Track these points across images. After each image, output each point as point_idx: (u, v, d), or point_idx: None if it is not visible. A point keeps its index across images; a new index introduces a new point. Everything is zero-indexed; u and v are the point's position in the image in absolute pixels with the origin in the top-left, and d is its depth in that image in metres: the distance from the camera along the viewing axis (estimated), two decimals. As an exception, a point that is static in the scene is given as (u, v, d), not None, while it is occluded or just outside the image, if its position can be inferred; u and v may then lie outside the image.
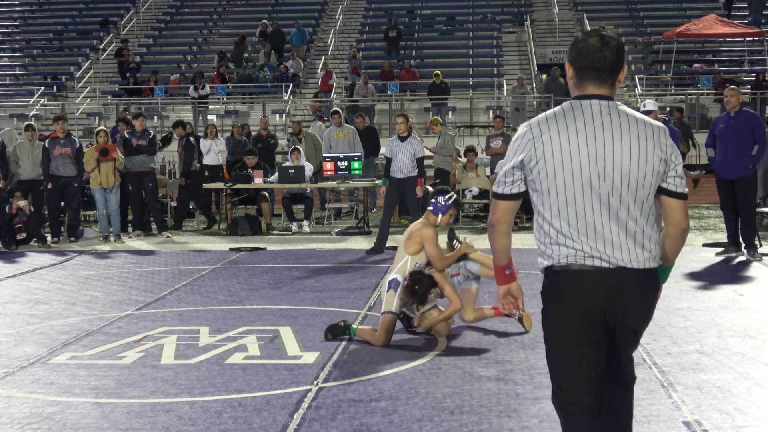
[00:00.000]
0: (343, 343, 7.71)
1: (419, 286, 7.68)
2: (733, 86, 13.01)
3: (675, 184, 3.86)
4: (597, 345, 3.85)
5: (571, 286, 3.80)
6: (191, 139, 16.93)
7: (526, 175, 3.88)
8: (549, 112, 3.88)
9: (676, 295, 9.49)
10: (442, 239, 8.19)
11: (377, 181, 15.73)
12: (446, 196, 8.08)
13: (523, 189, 3.91)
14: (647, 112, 11.05)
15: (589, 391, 3.86)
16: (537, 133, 3.82)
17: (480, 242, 9.65)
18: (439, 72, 28.11)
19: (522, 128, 3.91)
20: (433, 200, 8.12)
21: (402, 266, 7.83)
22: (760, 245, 12.37)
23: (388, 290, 7.75)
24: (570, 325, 3.83)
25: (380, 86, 28.79)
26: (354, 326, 7.86)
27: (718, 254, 12.17)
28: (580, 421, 3.88)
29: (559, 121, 3.80)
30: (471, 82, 30.77)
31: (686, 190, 3.92)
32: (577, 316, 3.81)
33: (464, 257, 8.14)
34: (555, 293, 3.87)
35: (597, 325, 3.82)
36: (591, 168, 3.75)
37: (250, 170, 16.14)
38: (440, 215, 8.01)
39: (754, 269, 11.15)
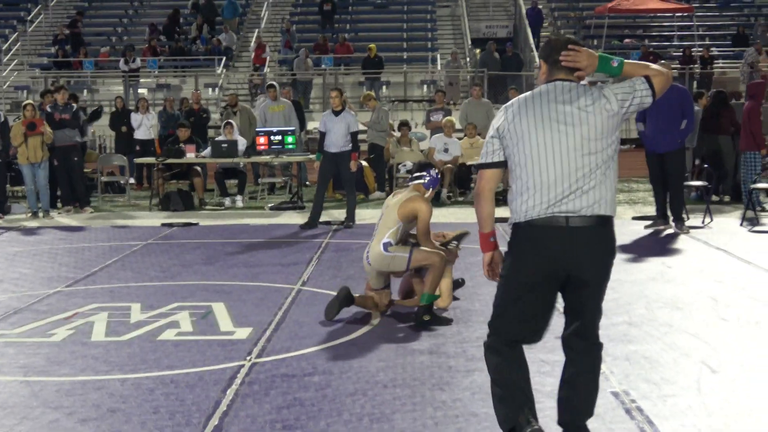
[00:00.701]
0: (277, 318, 7.69)
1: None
2: (663, 61, 13.19)
3: (640, 90, 4.41)
4: (542, 295, 4.43)
5: (530, 238, 4.37)
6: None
7: (502, 144, 4.47)
8: (524, 94, 4.53)
9: (606, 268, 9.63)
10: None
11: (311, 156, 15.68)
12: (435, 170, 7.91)
13: (502, 158, 4.48)
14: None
15: (519, 331, 4.49)
16: (510, 108, 4.48)
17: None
18: (373, 46, 28.04)
19: (502, 107, 4.57)
20: (423, 173, 7.84)
21: (394, 232, 7.63)
22: (688, 218, 12.61)
23: (386, 251, 7.61)
24: (522, 273, 4.41)
25: (315, 60, 28.64)
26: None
27: (646, 227, 12.37)
28: (503, 351, 4.50)
29: (529, 98, 4.46)
30: (405, 57, 30.74)
31: (651, 72, 4.44)
32: (531, 266, 4.39)
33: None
34: (516, 244, 4.44)
35: (549, 277, 4.39)
36: (548, 135, 4.36)
37: (182, 145, 15.96)
38: (431, 189, 7.83)
39: (682, 242, 11.35)
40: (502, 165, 4.49)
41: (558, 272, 4.37)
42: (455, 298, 8.25)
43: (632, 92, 4.40)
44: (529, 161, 4.36)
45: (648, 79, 4.41)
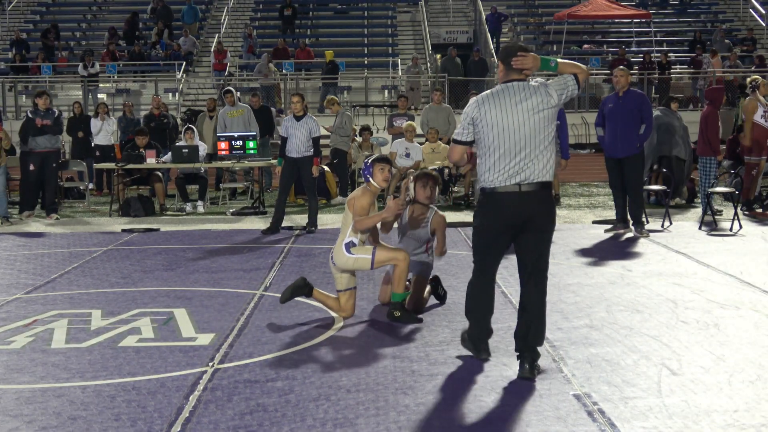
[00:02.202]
0: (239, 324, 7.67)
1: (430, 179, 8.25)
2: (622, 67, 13.29)
3: (570, 85, 5.97)
4: (503, 240, 6.04)
5: (494, 201, 5.96)
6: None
7: (474, 129, 5.99)
8: (489, 90, 6.05)
9: (567, 271, 9.71)
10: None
11: (272, 161, 15.65)
12: (369, 160, 7.89)
13: (472, 138, 6.05)
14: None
15: (491, 264, 6.15)
16: (481, 102, 6.00)
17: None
18: (329, 52, 28.07)
19: (472, 100, 6.11)
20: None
21: (353, 228, 7.65)
22: (647, 222, 12.73)
23: (348, 252, 7.64)
24: (489, 225, 6.02)
25: (276, 65, 28.58)
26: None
27: (606, 231, 12.47)
28: (480, 278, 6.17)
29: (493, 95, 5.99)
30: (366, 62, 30.77)
31: (577, 70, 5.98)
32: (494, 220, 5.97)
33: (382, 227, 7.94)
34: (484, 204, 6.02)
35: (509, 226, 5.95)
36: (510, 123, 5.87)
37: (142, 150, 15.86)
38: (370, 178, 7.77)
39: (642, 245, 11.46)
40: (470, 143, 6.08)
41: (516, 222, 5.92)
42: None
43: (566, 87, 5.97)
44: (496, 143, 5.89)
45: (575, 76, 5.97)
